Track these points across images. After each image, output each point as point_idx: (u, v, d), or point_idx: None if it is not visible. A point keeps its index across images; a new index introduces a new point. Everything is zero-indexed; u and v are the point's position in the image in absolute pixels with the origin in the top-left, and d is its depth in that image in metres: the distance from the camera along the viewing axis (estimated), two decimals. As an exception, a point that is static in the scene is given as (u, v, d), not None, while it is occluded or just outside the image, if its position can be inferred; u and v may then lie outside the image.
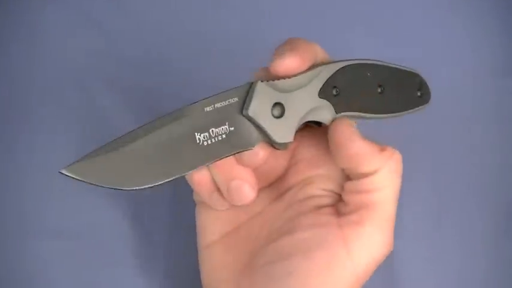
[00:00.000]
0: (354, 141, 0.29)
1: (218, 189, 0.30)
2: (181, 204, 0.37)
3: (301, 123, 0.29)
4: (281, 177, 0.32)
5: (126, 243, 0.40)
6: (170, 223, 0.40)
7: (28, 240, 0.39)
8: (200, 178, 0.29)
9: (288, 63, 0.28)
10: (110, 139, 0.41)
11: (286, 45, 0.29)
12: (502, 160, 0.44)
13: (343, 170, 0.30)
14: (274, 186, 0.32)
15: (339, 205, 0.30)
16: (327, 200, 0.31)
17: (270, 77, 0.29)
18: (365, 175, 0.29)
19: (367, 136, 0.30)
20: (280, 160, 0.32)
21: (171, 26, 0.45)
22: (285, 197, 0.31)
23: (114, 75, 0.43)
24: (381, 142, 0.30)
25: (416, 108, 0.33)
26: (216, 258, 0.32)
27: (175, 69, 0.44)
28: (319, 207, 0.30)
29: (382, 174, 0.29)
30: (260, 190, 0.31)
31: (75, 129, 0.42)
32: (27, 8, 0.45)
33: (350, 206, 0.29)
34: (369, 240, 0.29)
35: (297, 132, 0.29)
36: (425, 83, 0.33)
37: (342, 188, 0.30)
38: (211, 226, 0.32)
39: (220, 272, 0.32)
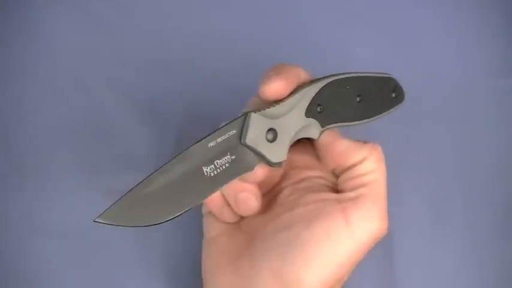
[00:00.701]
0: (339, 140, 0.33)
1: (228, 204, 0.34)
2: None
3: (293, 141, 0.33)
4: (278, 183, 0.36)
5: (126, 243, 0.40)
6: (170, 223, 0.40)
7: (28, 240, 0.39)
8: (212, 195, 0.33)
9: (275, 86, 0.31)
10: (110, 139, 0.42)
11: (272, 71, 0.32)
12: (502, 160, 0.44)
13: (333, 171, 0.34)
14: (272, 190, 0.36)
15: (334, 191, 0.34)
16: (324, 187, 0.34)
17: (261, 105, 0.32)
18: (355, 164, 0.32)
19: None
20: (277, 171, 0.35)
21: (172, 25, 0.45)
22: (282, 194, 0.35)
23: (115, 74, 0.43)
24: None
25: (393, 109, 0.36)
26: (218, 245, 0.34)
27: (176, 69, 0.44)
28: (318, 190, 0.33)
29: (370, 161, 0.32)
30: (262, 196, 0.35)
31: (76, 129, 0.42)
32: (28, 7, 0.44)
33: (344, 188, 0.33)
34: (367, 213, 0.31)
35: (289, 149, 0.33)
36: (399, 84, 0.36)
37: (335, 185, 0.34)
38: (216, 226, 0.35)
39: (220, 256, 0.34)
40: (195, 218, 0.37)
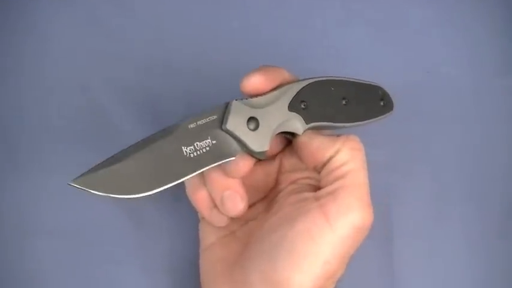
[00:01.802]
0: (313, 138, 0.34)
1: (216, 206, 0.34)
2: (181, 202, 0.37)
3: (275, 133, 0.33)
4: (272, 189, 0.36)
5: (126, 241, 0.40)
6: (171, 221, 0.40)
7: (28, 239, 0.39)
8: (199, 196, 0.34)
9: (254, 80, 0.32)
10: (111, 139, 0.42)
11: (255, 69, 0.33)
12: (502, 160, 0.44)
13: (315, 169, 0.34)
14: (267, 196, 0.36)
15: (319, 189, 0.34)
16: (308, 187, 0.34)
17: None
18: (331, 158, 0.33)
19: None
20: (271, 175, 0.36)
21: (173, 26, 0.45)
22: (275, 201, 0.35)
23: (116, 75, 0.43)
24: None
25: (382, 116, 0.36)
26: (214, 254, 0.35)
27: (176, 69, 0.44)
28: (301, 190, 0.34)
29: (344, 152, 0.33)
30: (257, 202, 0.36)
31: (75, 129, 0.42)
32: (28, 8, 0.44)
33: (325, 184, 0.33)
34: (344, 205, 0.31)
35: (283, 148, 0.34)
36: (387, 94, 0.37)
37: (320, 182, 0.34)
38: (211, 234, 0.36)
39: (216, 266, 0.34)
40: (196, 218, 0.37)
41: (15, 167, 0.41)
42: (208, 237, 0.36)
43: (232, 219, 0.35)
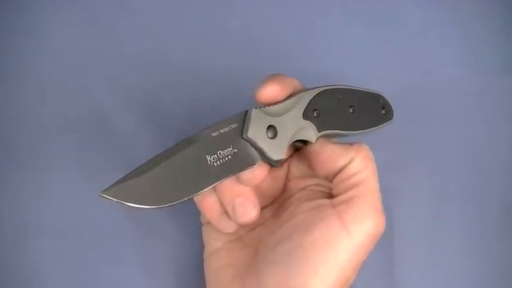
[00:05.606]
0: (325, 146, 0.34)
1: (225, 212, 0.34)
2: (185, 204, 0.37)
3: (291, 141, 0.33)
4: (280, 195, 0.36)
5: (127, 242, 0.40)
6: (172, 222, 0.40)
7: (29, 240, 0.39)
8: (209, 202, 0.34)
9: (269, 90, 0.33)
10: (110, 139, 0.42)
11: (268, 78, 0.33)
12: (502, 159, 0.44)
13: (326, 177, 0.34)
14: (274, 202, 0.36)
15: (331, 196, 0.34)
16: (319, 194, 0.34)
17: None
18: (344, 166, 0.33)
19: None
20: (278, 181, 0.36)
21: (173, 26, 0.45)
22: (283, 206, 0.35)
23: (115, 74, 0.43)
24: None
25: (383, 125, 0.37)
26: (221, 260, 0.35)
27: (176, 69, 0.44)
28: (314, 197, 0.34)
29: (357, 161, 0.33)
30: (263, 208, 0.36)
31: (75, 129, 0.42)
32: (28, 8, 0.44)
33: (338, 192, 0.33)
34: (360, 213, 0.32)
35: (290, 155, 0.34)
36: (388, 102, 0.37)
37: (331, 190, 0.34)
38: (216, 239, 0.36)
39: (225, 272, 0.34)
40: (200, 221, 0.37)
41: (16, 167, 0.41)
42: (213, 242, 0.35)
43: (239, 225, 0.35)
